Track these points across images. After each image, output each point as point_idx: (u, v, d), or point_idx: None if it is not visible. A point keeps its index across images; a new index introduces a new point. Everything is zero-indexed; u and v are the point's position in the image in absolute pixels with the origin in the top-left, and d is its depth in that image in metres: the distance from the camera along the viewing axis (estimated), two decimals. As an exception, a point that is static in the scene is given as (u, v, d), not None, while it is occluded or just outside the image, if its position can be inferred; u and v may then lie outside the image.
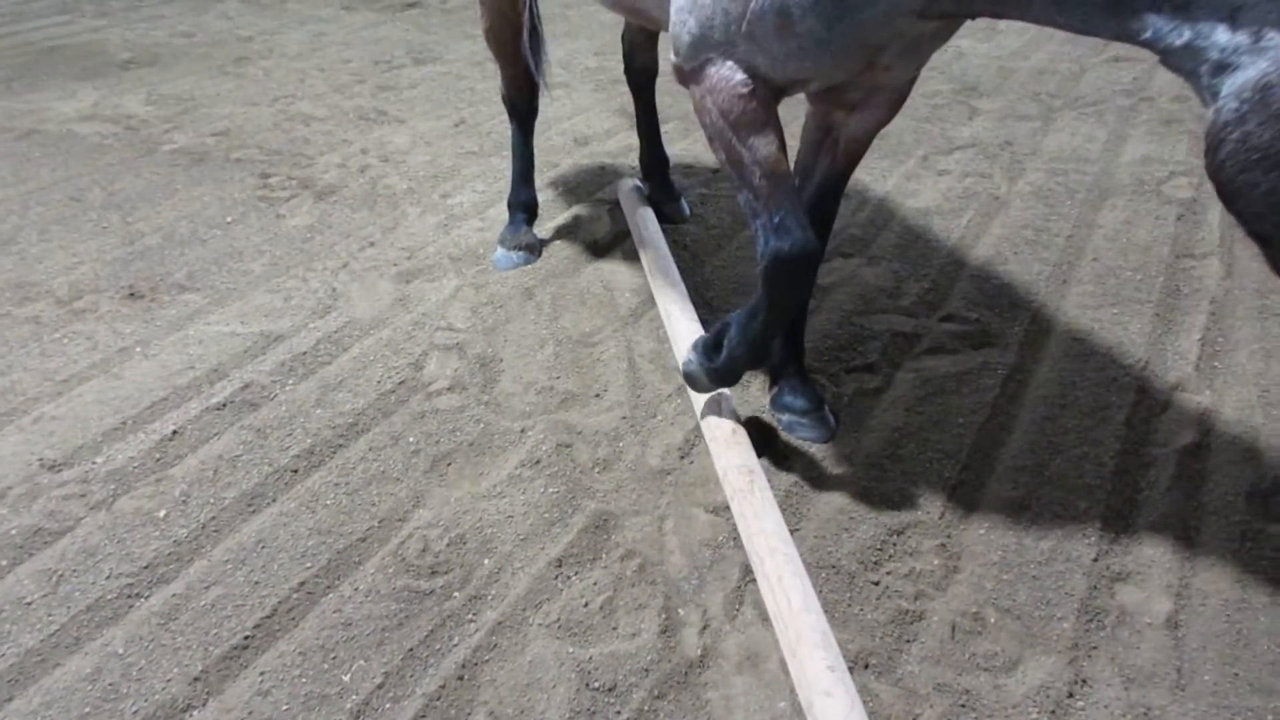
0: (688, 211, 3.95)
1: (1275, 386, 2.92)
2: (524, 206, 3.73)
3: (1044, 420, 2.80)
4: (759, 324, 2.39)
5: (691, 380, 2.64)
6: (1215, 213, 3.96)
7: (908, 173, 4.42)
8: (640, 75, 3.92)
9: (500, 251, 3.66)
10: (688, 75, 2.28)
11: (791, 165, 2.38)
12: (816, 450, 2.69)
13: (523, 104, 3.67)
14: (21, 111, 5.29)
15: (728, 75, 2.17)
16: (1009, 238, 3.82)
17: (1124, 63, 5.84)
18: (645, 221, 3.62)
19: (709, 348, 2.53)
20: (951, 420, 2.80)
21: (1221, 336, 3.17)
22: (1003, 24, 6.67)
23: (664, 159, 3.95)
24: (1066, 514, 2.47)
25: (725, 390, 2.75)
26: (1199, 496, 2.52)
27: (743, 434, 2.59)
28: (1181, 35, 1.59)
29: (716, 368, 2.53)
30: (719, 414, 2.66)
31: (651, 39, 3.82)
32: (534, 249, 3.68)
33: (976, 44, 6.26)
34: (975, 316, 3.29)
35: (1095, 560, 2.33)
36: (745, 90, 2.16)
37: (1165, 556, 2.34)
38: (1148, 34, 1.65)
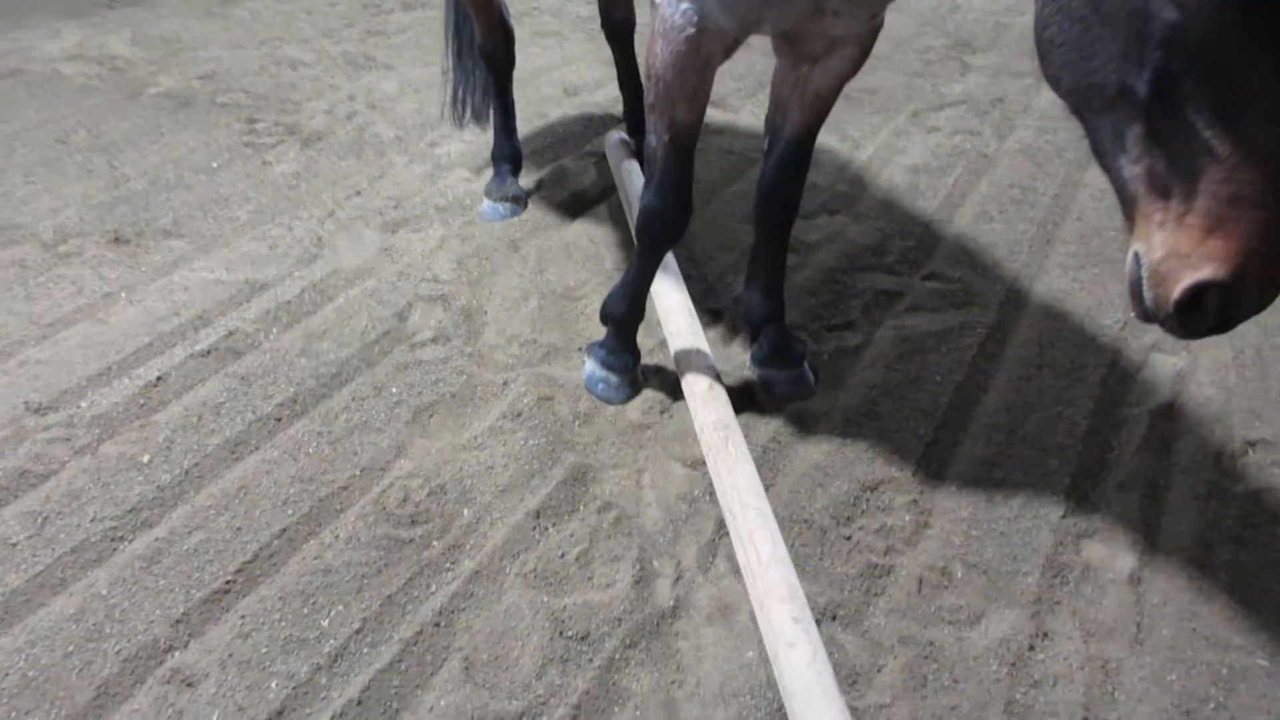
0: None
1: (1250, 348, 2.96)
2: (508, 158, 3.72)
3: (1020, 380, 2.84)
4: (633, 272, 2.70)
5: (591, 379, 2.77)
6: (1202, 174, 3.97)
7: (897, 129, 4.41)
8: (619, 27, 3.89)
9: (486, 203, 3.65)
10: (652, 8, 2.32)
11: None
12: (795, 406, 2.72)
13: (499, 54, 3.64)
14: (5, 50, 5.22)
15: (677, 22, 2.19)
16: (995, 196, 3.83)
17: (1120, 19, 5.79)
18: (631, 176, 3.61)
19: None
20: (929, 378, 2.83)
21: (1200, 299, 3.19)
22: (1000, -23, 6.60)
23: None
24: (1037, 472, 2.52)
25: (704, 346, 2.78)
26: (1169, 456, 2.56)
27: (720, 390, 2.62)
28: None
29: (606, 335, 2.77)
30: (697, 370, 2.68)
31: None
32: (520, 200, 3.67)
33: (973, -2, 6.21)
34: (958, 275, 3.31)
35: (1063, 517, 2.38)
36: (692, 42, 2.20)
37: (1132, 514, 2.39)
38: None
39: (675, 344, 2.82)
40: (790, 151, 2.54)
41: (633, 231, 2.61)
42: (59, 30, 5.55)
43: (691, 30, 2.19)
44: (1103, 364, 2.90)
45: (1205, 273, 1.43)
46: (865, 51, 2.41)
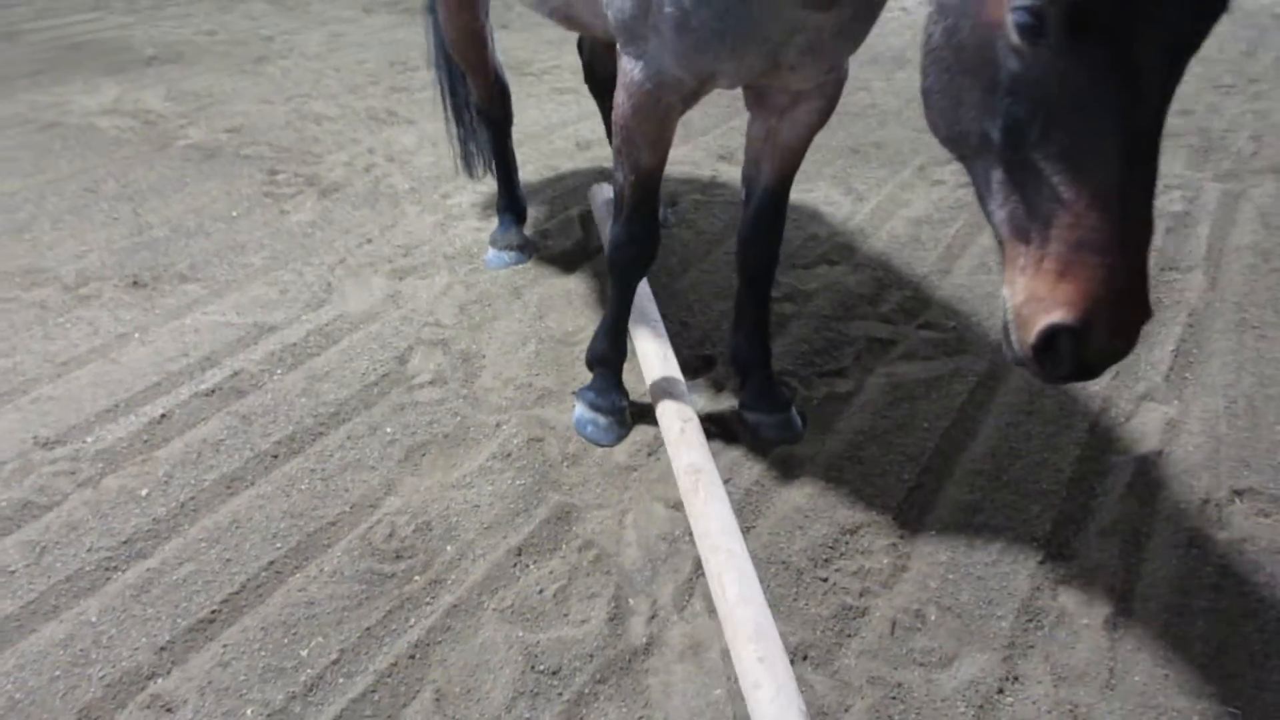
0: (670, 220, 3.96)
1: (1243, 398, 2.95)
2: (510, 209, 3.82)
3: (1008, 426, 2.85)
4: (609, 308, 2.83)
5: (580, 421, 2.84)
6: (1205, 226, 3.99)
7: (902, 182, 4.47)
8: (602, 84, 4.00)
9: (491, 251, 3.75)
10: (619, 59, 2.43)
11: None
12: (781, 451, 2.76)
13: (497, 112, 3.75)
14: (46, 104, 5.46)
15: (638, 77, 2.32)
16: (995, 248, 3.86)
17: (1132, 77, 5.85)
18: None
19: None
20: (917, 425, 2.86)
21: (1196, 348, 3.20)
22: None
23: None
24: (1018, 518, 2.52)
25: (681, 387, 2.83)
26: (1153, 504, 2.56)
27: (694, 433, 2.64)
28: None
29: (593, 378, 2.87)
30: (673, 413, 2.72)
31: (610, 47, 3.90)
32: (524, 249, 3.77)
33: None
34: (953, 325, 3.34)
35: (1041, 563, 2.38)
36: (651, 95, 2.32)
37: (1111, 561, 2.38)
38: None
39: (653, 388, 2.86)
40: (765, 202, 2.62)
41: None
42: (98, 86, 5.79)
43: (650, 85, 2.31)
44: (1092, 412, 2.91)
45: (1055, 317, 1.46)
46: (831, 103, 2.49)
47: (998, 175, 1.55)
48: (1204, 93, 5.62)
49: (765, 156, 2.58)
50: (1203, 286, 3.54)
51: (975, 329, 3.32)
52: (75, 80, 5.88)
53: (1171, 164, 4.59)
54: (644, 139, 2.44)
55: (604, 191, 3.99)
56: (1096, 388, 3.01)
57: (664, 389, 2.82)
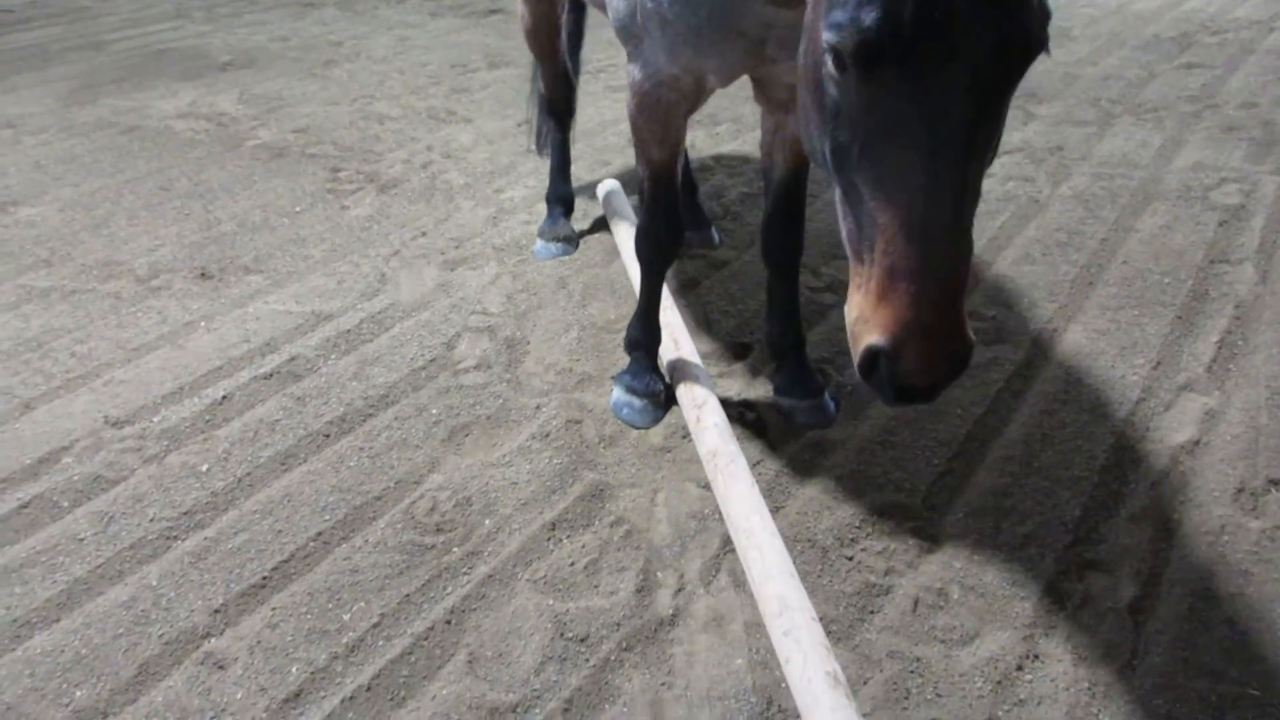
0: (717, 240, 3.92)
1: (1288, 390, 2.92)
2: (560, 200, 3.93)
3: (1042, 414, 2.86)
4: (640, 297, 2.92)
5: (617, 404, 2.92)
6: (1259, 219, 3.92)
7: (951, 175, 4.46)
8: None
9: (539, 243, 3.86)
10: (627, 62, 2.55)
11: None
12: (814, 434, 2.80)
13: (561, 103, 3.88)
14: (127, 109, 5.73)
15: (637, 76, 2.44)
16: (1041, 239, 3.85)
17: (1196, 69, 5.75)
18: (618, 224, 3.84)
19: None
20: (950, 411, 2.88)
21: (1242, 340, 3.16)
22: (1075, 30, 6.62)
23: (692, 185, 4.00)
24: (1048, 503, 2.54)
25: (699, 369, 2.90)
26: (1186, 491, 2.55)
27: (713, 416, 2.70)
28: None
29: (630, 362, 2.96)
30: (704, 399, 2.78)
31: None
32: (571, 241, 3.87)
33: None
34: (993, 314, 3.35)
35: (1068, 547, 2.40)
36: (650, 93, 2.43)
37: (1140, 546, 2.39)
38: None
39: (674, 374, 2.93)
40: (782, 193, 2.68)
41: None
42: (176, 91, 6.05)
43: (648, 84, 2.43)
44: (1129, 401, 2.90)
45: (873, 338, 1.48)
46: None
47: (838, 194, 1.60)
48: (1270, 85, 5.49)
49: (776, 149, 2.64)
50: (1252, 280, 3.49)
51: (1015, 319, 3.32)
52: (155, 86, 6.15)
53: (1230, 156, 4.51)
54: (651, 135, 2.55)
55: (607, 188, 4.12)
56: (1135, 377, 3.00)
57: (681, 373, 2.90)
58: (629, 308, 3.45)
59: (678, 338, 3.05)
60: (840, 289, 3.52)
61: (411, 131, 5.23)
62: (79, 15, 7.98)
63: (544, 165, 4.69)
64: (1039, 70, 5.89)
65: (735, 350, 3.20)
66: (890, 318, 1.46)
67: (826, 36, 1.44)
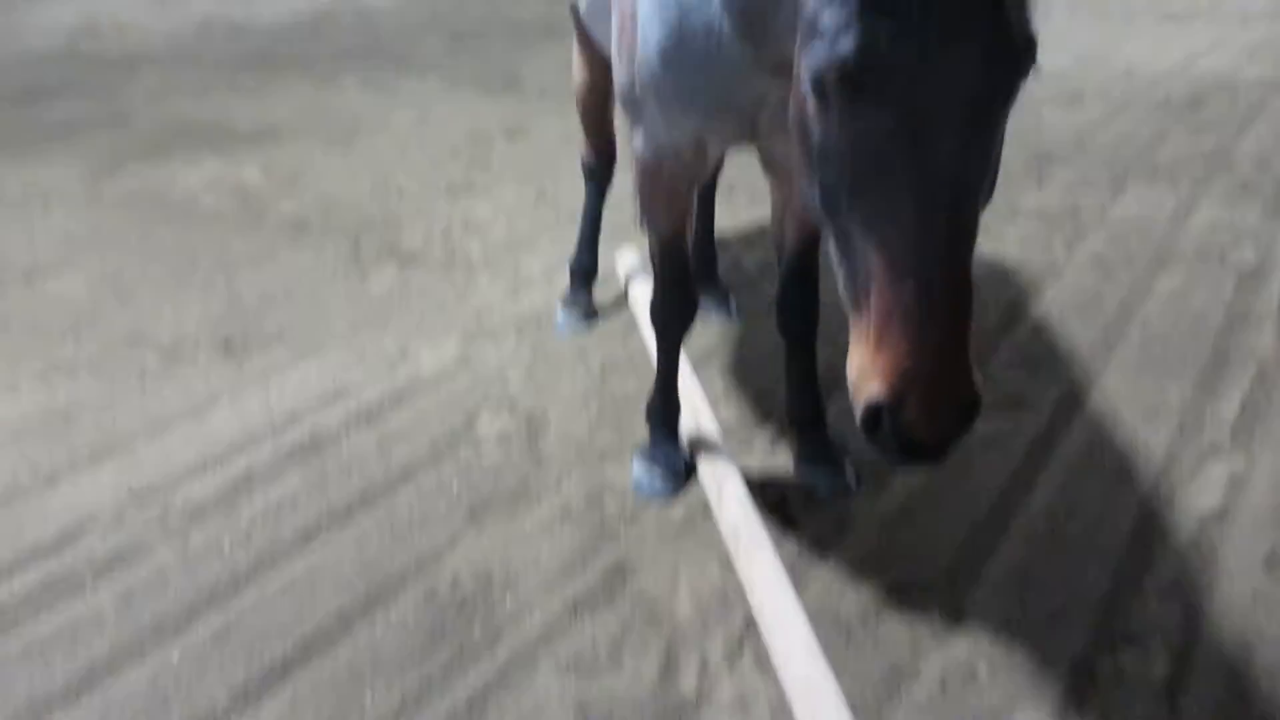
0: (733, 312, 3.92)
1: (1315, 457, 2.89)
2: (584, 270, 3.97)
3: (1066, 484, 2.84)
4: (657, 368, 2.92)
5: (638, 477, 2.91)
6: (1277, 278, 3.92)
7: (967, 240, 4.48)
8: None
9: (561, 314, 3.89)
10: (630, 132, 2.56)
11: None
12: (835, 507, 2.79)
13: (599, 172, 3.95)
14: (154, 181, 5.84)
15: (640, 146, 2.47)
16: (1059, 302, 3.86)
17: (1208, 130, 5.79)
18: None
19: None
20: (973, 482, 2.87)
21: (1264, 401, 3.15)
22: (1087, 91, 6.69)
23: (712, 256, 4.03)
24: (1076, 576, 2.51)
25: (721, 447, 2.90)
26: (1216, 562, 2.53)
27: (737, 489, 2.70)
28: None
29: (649, 433, 2.96)
30: (726, 473, 2.79)
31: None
32: (592, 312, 3.89)
33: (1057, 111, 6.29)
34: (1012, 380, 3.34)
35: (1098, 622, 2.37)
36: (653, 163, 2.46)
37: (1172, 620, 2.36)
38: None
39: (695, 448, 2.94)
40: (794, 265, 2.70)
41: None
42: (200, 163, 6.17)
43: (649, 153, 2.45)
44: (1154, 468, 2.88)
45: (872, 391, 1.42)
46: None
47: (831, 242, 1.56)
48: (1285, 144, 5.52)
49: (786, 222, 2.67)
50: (1273, 340, 3.48)
51: (1035, 386, 3.31)
52: (181, 158, 6.27)
53: (1246, 216, 4.53)
54: (656, 205, 2.57)
55: (627, 259, 4.16)
56: (1159, 443, 2.98)
57: (701, 447, 2.90)
58: (650, 380, 3.45)
59: (698, 409, 3.06)
60: (859, 357, 3.52)
61: (432, 204, 5.31)
62: (106, 88, 8.17)
63: (562, 236, 4.74)
64: (1052, 132, 5.95)
65: (754, 422, 3.20)
66: (888, 366, 1.41)
67: (806, 72, 1.44)
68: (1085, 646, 2.30)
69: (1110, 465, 2.90)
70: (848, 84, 1.38)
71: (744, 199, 5.11)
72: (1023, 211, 4.77)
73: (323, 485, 2.99)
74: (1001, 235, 4.51)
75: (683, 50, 2.17)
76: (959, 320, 1.41)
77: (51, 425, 3.34)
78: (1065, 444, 3.01)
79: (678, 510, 2.82)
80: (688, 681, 2.25)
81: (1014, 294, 3.97)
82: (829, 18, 1.40)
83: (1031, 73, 1.43)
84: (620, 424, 3.22)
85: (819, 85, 1.43)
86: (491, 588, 2.56)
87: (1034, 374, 3.39)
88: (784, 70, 2.08)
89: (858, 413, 1.49)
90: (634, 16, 2.28)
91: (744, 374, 3.48)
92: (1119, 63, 7.41)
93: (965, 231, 1.42)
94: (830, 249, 1.59)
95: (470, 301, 4.14)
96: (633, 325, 3.87)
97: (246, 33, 10.25)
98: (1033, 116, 6.24)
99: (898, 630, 2.37)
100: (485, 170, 5.82)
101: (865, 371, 1.46)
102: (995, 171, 1.52)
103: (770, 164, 2.62)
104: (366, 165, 6.01)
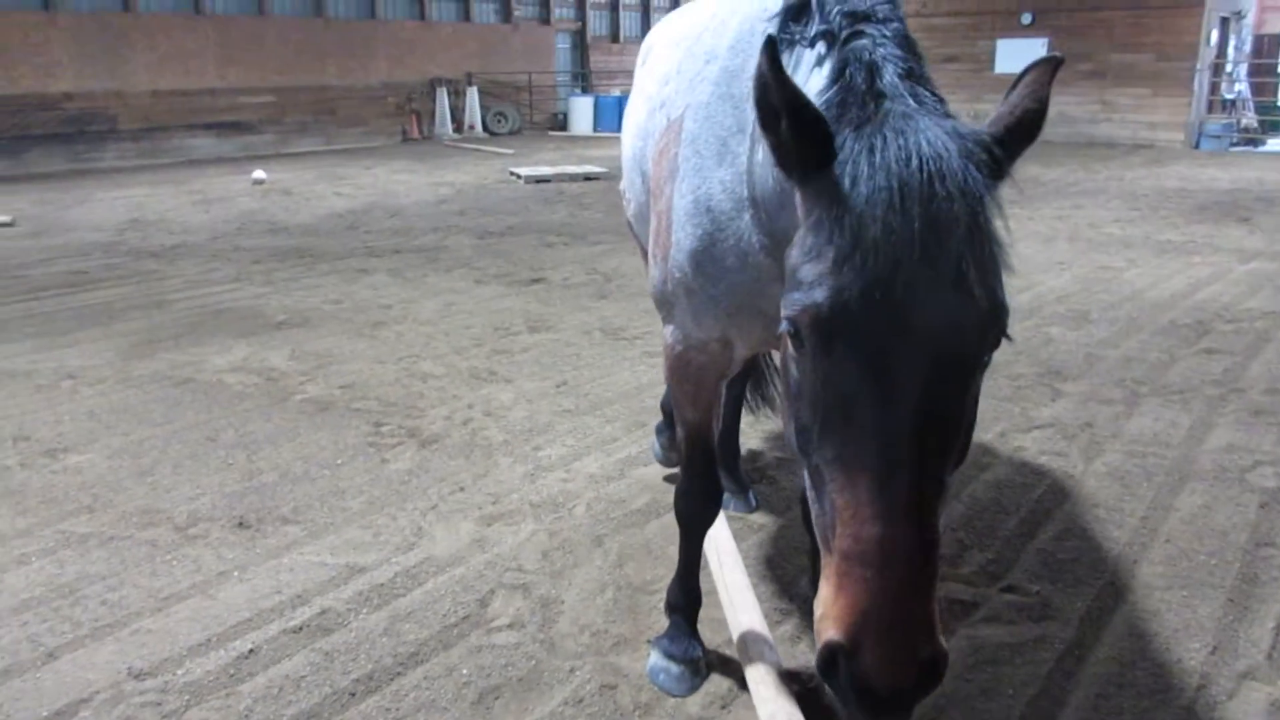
0: (754, 504, 3.93)
1: (1356, 680, 2.79)
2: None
3: (1098, 698, 2.74)
4: (680, 559, 2.90)
5: (654, 669, 2.83)
6: (1300, 500, 3.90)
7: (983, 448, 4.52)
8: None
9: (655, 441, 4.08)
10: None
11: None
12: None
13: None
14: (183, 363, 5.98)
15: (671, 342, 2.56)
16: (1080, 515, 3.83)
17: (1217, 355, 5.91)
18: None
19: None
20: (1001, 691, 2.76)
21: (1299, 625, 3.06)
22: (1094, 313, 6.89)
23: (734, 449, 4.06)
24: (1114, 796, 2.37)
25: (769, 640, 2.82)
26: (1262, 790, 2.39)
27: (786, 684, 2.63)
28: None
29: (668, 626, 2.90)
30: (765, 664, 2.71)
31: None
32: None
33: (1065, 331, 6.45)
34: (1037, 589, 3.28)
35: None
36: (682, 356, 2.53)
37: None
38: None
39: (742, 638, 2.86)
40: None
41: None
42: (230, 347, 6.34)
43: (680, 346, 2.54)
44: (1189, 688, 2.77)
45: (829, 633, 1.41)
46: None
47: (806, 480, 1.60)
48: (1293, 369, 5.63)
49: None
50: (1303, 560, 3.43)
51: (1061, 595, 3.24)
52: (211, 342, 6.45)
53: (1262, 440, 4.56)
54: (684, 396, 2.64)
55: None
56: (1193, 662, 2.88)
57: (753, 639, 2.83)
58: (666, 569, 3.41)
59: (735, 600, 3.00)
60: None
61: (454, 389, 5.40)
62: (147, 276, 8.50)
63: (581, 424, 4.81)
64: (1062, 350, 6.08)
65: (774, 617, 3.13)
66: (845, 609, 1.40)
67: (784, 314, 1.53)
68: None
69: (1144, 682, 2.80)
70: (819, 330, 1.48)
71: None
72: (1038, 423, 4.82)
73: (328, 666, 2.90)
74: (1019, 445, 4.54)
75: (713, 256, 2.29)
76: (921, 569, 1.42)
77: (56, 600, 3.28)
78: (1096, 657, 2.92)
79: (694, 704, 2.71)
80: None
81: (1034, 501, 3.95)
82: (807, 271, 1.52)
83: (1003, 342, 1.51)
84: (636, 612, 3.15)
85: (795, 329, 1.53)
86: (498, 782, 2.43)
87: (1058, 584, 3.32)
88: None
89: (816, 653, 1.47)
90: (669, 221, 2.41)
91: (764, 568, 3.43)
92: (1122, 288, 7.65)
93: (930, 483, 1.45)
94: (806, 486, 1.63)
95: (488, 484, 4.14)
96: (649, 514, 3.85)
97: (284, 229, 10.75)
98: (1042, 335, 6.41)
99: (928, 847, 2.23)
100: (508, 359, 5.95)
101: (826, 612, 1.45)
102: (969, 433, 1.57)
103: None
104: (392, 352, 6.16)
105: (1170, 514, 3.84)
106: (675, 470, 4.17)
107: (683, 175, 2.33)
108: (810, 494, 1.60)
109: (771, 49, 1.50)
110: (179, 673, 2.88)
